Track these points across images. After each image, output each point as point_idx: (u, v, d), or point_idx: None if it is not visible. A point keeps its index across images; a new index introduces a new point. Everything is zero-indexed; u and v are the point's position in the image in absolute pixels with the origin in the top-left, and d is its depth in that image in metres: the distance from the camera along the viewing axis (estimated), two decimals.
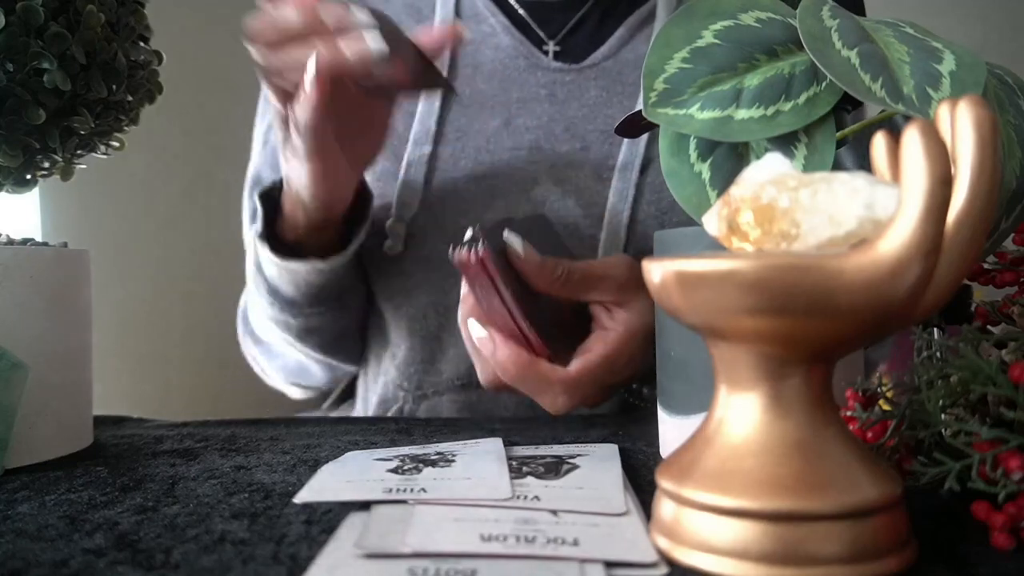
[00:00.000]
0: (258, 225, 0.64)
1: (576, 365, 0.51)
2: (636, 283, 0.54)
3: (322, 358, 0.76)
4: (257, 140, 0.81)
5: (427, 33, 0.56)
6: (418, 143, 0.70)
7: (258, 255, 0.66)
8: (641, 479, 0.38)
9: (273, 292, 0.67)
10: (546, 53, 0.75)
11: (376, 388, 0.75)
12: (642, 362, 0.54)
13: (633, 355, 0.53)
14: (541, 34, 0.76)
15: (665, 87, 0.37)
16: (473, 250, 0.48)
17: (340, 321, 0.71)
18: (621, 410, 0.67)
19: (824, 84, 0.35)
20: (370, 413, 0.76)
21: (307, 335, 0.72)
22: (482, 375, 0.55)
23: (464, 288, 0.54)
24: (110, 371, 1.32)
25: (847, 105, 0.37)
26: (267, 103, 0.82)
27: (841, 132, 0.36)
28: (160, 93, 0.50)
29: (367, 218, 0.66)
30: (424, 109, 0.72)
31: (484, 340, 0.51)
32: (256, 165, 0.80)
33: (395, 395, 0.73)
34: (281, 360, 0.78)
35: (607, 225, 0.68)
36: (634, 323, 0.53)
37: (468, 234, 0.49)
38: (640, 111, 0.38)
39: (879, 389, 0.35)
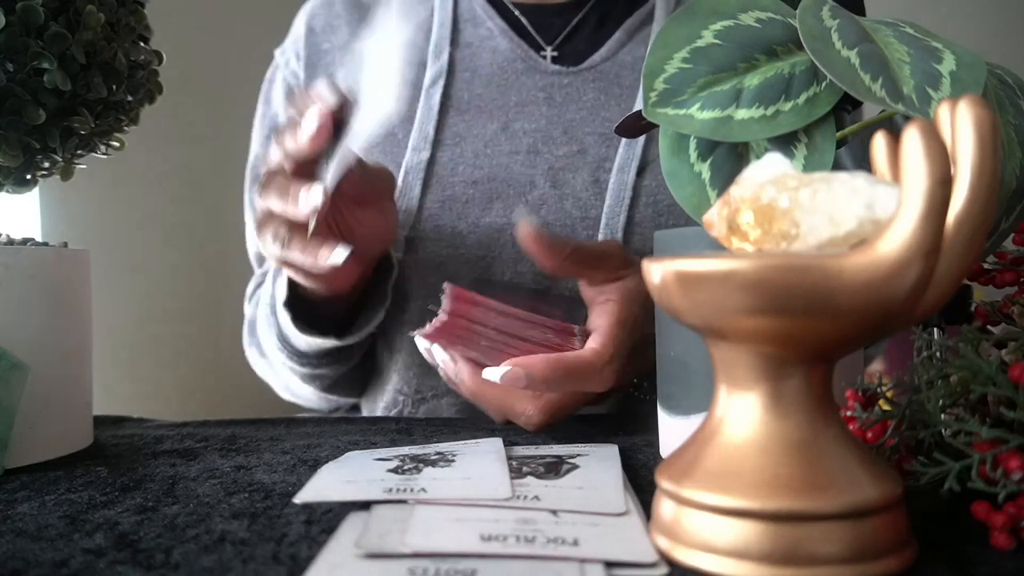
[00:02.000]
0: (281, 292, 0.63)
1: (597, 338, 0.49)
2: (628, 261, 0.54)
3: (322, 394, 0.76)
4: (259, 139, 0.82)
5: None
6: (416, 149, 0.71)
7: (275, 300, 0.66)
8: (641, 479, 0.38)
9: (284, 339, 0.68)
10: (544, 58, 0.75)
11: (378, 394, 0.76)
12: (646, 324, 0.52)
13: (639, 317, 0.51)
14: (539, 38, 0.76)
15: (665, 87, 0.37)
16: (447, 298, 0.46)
17: (344, 369, 0.72)
18: (621, 409, 0.67)
19: (824, 84, 0.35)
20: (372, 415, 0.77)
21: (311, 380, 0.72)
22: (526, 421, 0.50)
23: (449, 370, 0.51)
24: (110, 371, 1.32)
25: (847, 105, 0.37)
26: (266, 104, 0.83)
27: (841, 132, 0.36)
28: (160, 93, 0.50)
29: (386, 294, 0.66)
30: (423, 115, 0.72)
31: (512, 373, 0.46)
32: (259, 163, 0.81)
33: (395, 399, 0.73)
34: (281, 379, 0.79)
35: (604, 228, 0.68)
36: (628, 287, 0.52)
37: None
38: (640, 111, 0.38)
39: (879, 389, 0.35)
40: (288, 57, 0.81)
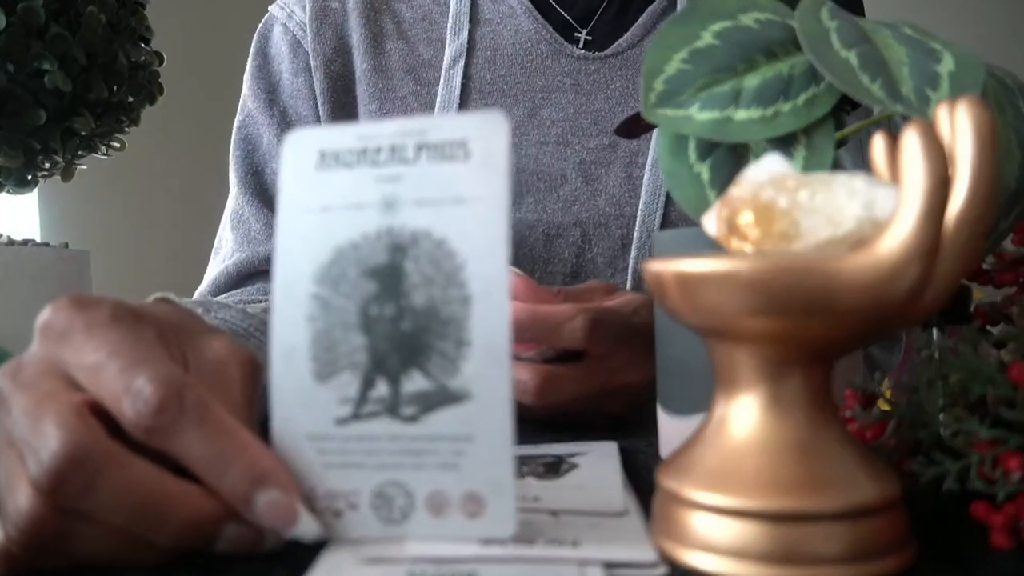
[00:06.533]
0: None
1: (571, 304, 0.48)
2: (613, 288, 0.53)
3: None
4: (252, 95, 0.77)
5: None
6: None
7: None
8: (641, 479, 0.38)
9: None
10: (576, 41, 0.72)
11: None
12: (635, 343, 0.50)
13: (625, 319, 0.50)
14: (568, 18, 0.74)
15: (664, 88, 0.37)
16: None
17: None
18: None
19: (823, 85, 0.35)
20: None
21: None
22: (523, 389, 0.48)
23: None
24: None
25: (846, 106, 0.37)
26: (261, 57, 0.77)
27: (840, 133, 0.36)
28: (161, 94, 0.51)
29: None
30: (444, 97, 0.70)
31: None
32: (252, 122, 0.77)
33: None
34: None
35: (640, 226, 0.66)
36: (620, 299, 0.51)
37: None
38: (639, 112, 0.38)
39: (878, 389, 0.35)
40: (291, 10, 0.76)
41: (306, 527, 0.28)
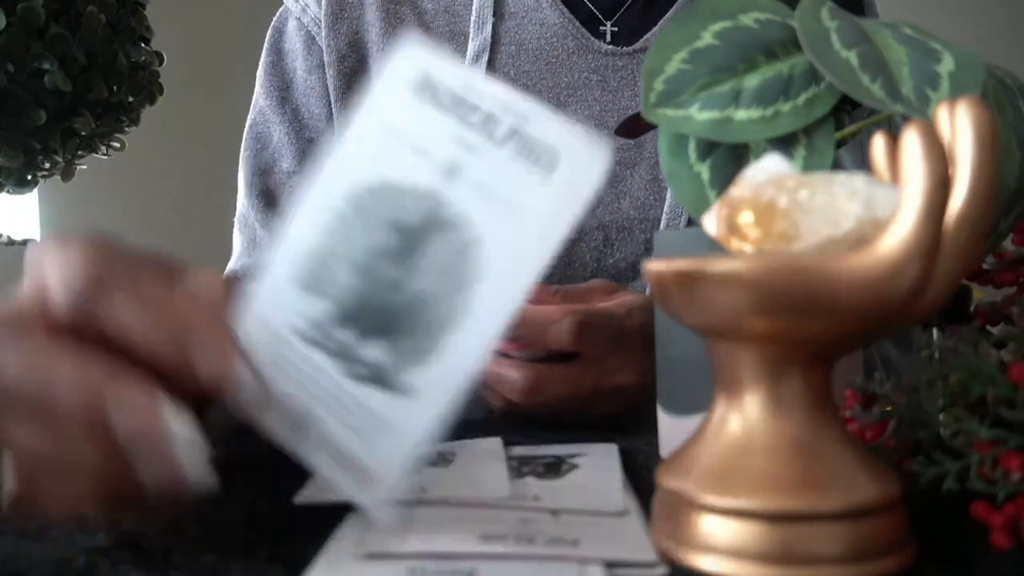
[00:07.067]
0: None
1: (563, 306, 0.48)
2: (615, 287, 0.52)
3: None
4: (265, 91, 0.74)
5: None
6: None
7: None
8: (641, 479, 0.38)
9: None
10: (602, 35, 0.70)
11: None
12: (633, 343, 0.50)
13: (622, 320, 0.50)
14: (595, 10, 0.72)
15: (665, 88, 0.37)
16: None
17: None
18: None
19: (823, 85, 0.35)
20: None
21: None
22: (511, 387, 0.48)
23: None
24: None
25: (846, 106, 0.37)
26: (276, 53, 0.74)
27: (840, 132, 0.36)
28: (161, 94, 0.51)
29: None
30: None
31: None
32: (263, 120, 0.74)
33: None
34: None
35: (664, 230, 0.65)
36: (620, 300, 0.51)
37: None
38: (639, 112, 0.38)
39: (878, 389, 0.35)
40: (305, 3, 0.73)
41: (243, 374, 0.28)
